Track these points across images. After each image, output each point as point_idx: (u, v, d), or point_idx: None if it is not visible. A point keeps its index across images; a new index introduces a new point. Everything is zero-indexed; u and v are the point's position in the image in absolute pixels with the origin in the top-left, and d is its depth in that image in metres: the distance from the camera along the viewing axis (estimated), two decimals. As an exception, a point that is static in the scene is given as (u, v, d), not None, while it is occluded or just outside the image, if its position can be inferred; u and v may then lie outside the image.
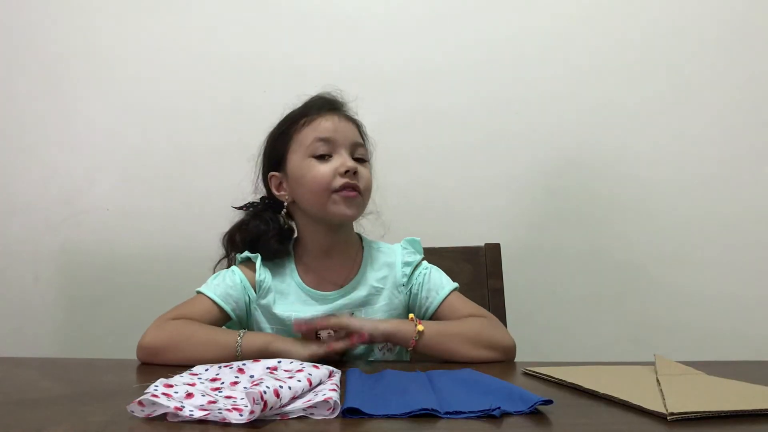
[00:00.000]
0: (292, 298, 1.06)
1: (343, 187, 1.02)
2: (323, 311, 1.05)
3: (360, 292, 1.07)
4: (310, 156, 1.04)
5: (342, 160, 1.03)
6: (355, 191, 1.03)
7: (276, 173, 1.10)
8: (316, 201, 1.04)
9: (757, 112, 1.60)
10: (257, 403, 0.63)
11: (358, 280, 1.08)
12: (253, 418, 0.63)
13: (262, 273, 1.07)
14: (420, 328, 0.95)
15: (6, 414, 0.69)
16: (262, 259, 1.08)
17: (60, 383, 0.83)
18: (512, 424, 0.65)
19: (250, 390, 0.64)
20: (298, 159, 1.05)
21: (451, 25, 1.62)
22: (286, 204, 1.10)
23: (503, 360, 1.00)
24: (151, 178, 1.62)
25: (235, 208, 1.14)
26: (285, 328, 1.05)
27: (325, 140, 1.04)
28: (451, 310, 1.07)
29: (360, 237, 1.15)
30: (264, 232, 1.08)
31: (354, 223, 1.12)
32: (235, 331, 0.96)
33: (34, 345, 1.60)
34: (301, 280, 1.08)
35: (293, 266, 1.09)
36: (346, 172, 1.01)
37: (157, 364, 0.93)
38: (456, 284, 1.10)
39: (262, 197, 1.14)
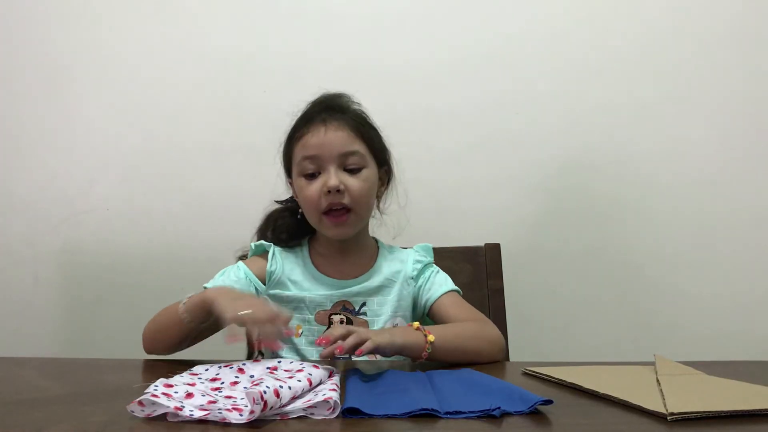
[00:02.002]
0: (305, 283, 1.09)
1: (330, 209, 1.04)
2: (337, 295, 1.07)
3: (373, 282, 1.10)
4: (300, 175, 1.07)
5: (325, 178, 1.03)
6: (345, 211, 1.04)
7: (291, 180, 1.14)
8: (311, 219, 1.08)
9: (758, 113, 1.60)
10: (257, 403, 0.63)
11: (372, 272, 1.11)
12: (253, 418, 0.63)
13: (274, 263, 1.10)
14: (431, 338, 0.92)
15: (6, 414, 0.69)
16: (277, 245, 1.12)
17: (60, 383, 0.83)
18: (512, 424, 0.65)
19: (250, 390, 0.64)
20: (294, 175, 1.09)
21: (451, 25, 1.62)
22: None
23: (497, 357, 1.00)
24: (151, 178, 1.62)
25: (277, 202, 1.18)
26: (295, 312, 1.06)
27: (311, 158, 1.05)
28: (447, 305, 1.09)
29: (376, 241, 1.18)
30: (284, 215, 1.14)
31: (369, 224, 1.15)
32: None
33: (34, 345, 1.60)
34: (314, 268, 1.10)
35: (308, 256, 1.12)
36: (329, 191, 1.02)
37: (157, 355, 0.98)
38: (458, 288, 1.13)
39: None
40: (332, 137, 1.04)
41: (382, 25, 1.62)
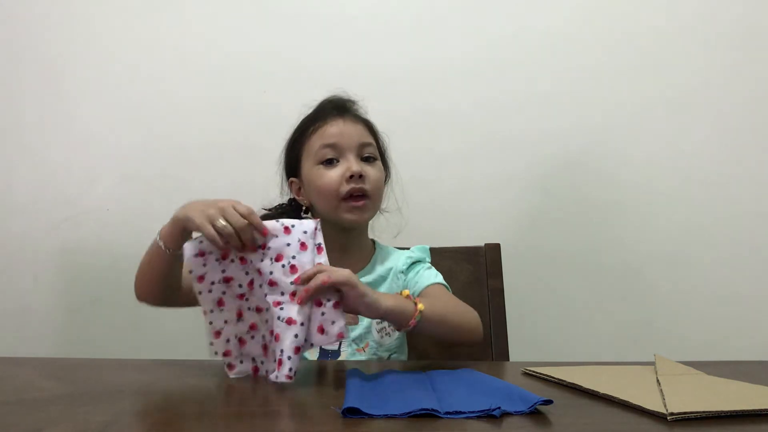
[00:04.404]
0: None
1: (350, 195, 1.05)
2: None
3: (365, 280, 1.10)
4: (318, 163, 1.08)
5: (347, 164, 1.06)
6: (363, 197, 1.06)
7: (294, 179, 1.14)
8: (326, 207, 1.08)
9: (757, 114, 1.60)
10: (291, 376, 0.79)
11: (365, 271, 1.13)
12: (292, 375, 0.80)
13: None
14: (421, 307, 0.91)
15: (5, 414, 0.69)
16: None
17: (60, 383, 0.83)
18: (512, 424, 0.65)
19: (282, 380, 0.79)
20: (308, 166, 1.10)
21: (451, 26, 1.62)
22: (304, 207, 1.15)
23: (476, 338, 1.03)
24: (151, 178, 1.62)
25: (266, 209, 1.18)
26: None
27: (331, 146, 1.07)
28: (432, 293, 1.08)
29: (374, 242, 1.19)
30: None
31: (370, 222, 1.16)
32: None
33: (34, 345, 1.60)
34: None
35: None
36: (351, 177, 1.04)
37: (151, 304, 1.05)
38: (448, 285, 1.13)
39: (290, 199, 1.18)
40: (351, 128, 1.09)
41: (382, 26, 1.62)
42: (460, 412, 0.67)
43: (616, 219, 1.61)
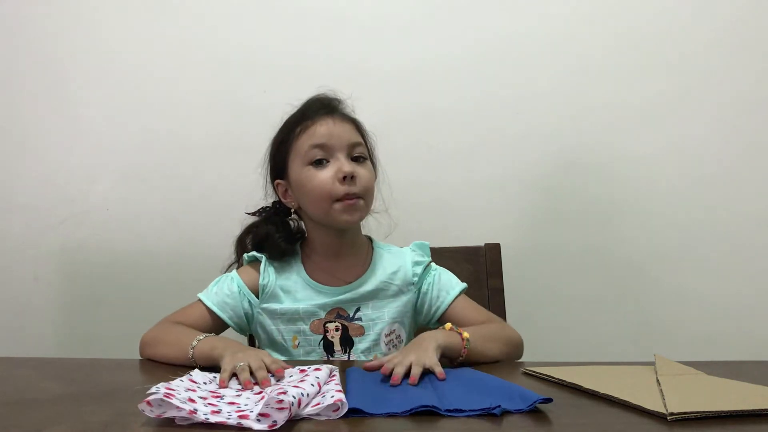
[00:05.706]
0: (298, 292, 1.08)
1: (344, 196, 1.02)
2: (330, 303, 1.06)
3: (367, 287, 1.08)
4: (308, 164, 1.05)
5: (339, 165, 1.03)
6: (356, 197, 1.03)
7: (281, 181, 1.11)
8: (318, 209, 1.05)
9: (758, 113, 1.60)
10: (282, 409, 0.63)
11: (366, 276, 1.09)
12: (276, 427, 0.63)
13: (266, 276, 1.08)
14: (466, 335, 0.92)
15: (5, 414, 0.69)
16: (269, 259, 1.10)
17: (60, 383, 0.83)
18: (512, 423, 0.65)
19: (277, 405, 0.64)
20: (297, 168, 1.07)
21: (451, 25, 1.62)
22: (293, 210, 1.12)
23: (518, 356, 1.02)
24: (151, 178, 1.62)
25: (248, 213, 1.16)
26: (289, 325, 1.07)
27: (321, 146, 1.04)
28: (460, 309, 1.09)
29: (370, 239, 1.17)
30: (272, 233, 1.10)
31: (361, 223, 1.13)
32: (198, 334, 0.94)
33: (34, 345, 1.60)
34: (308, 276, 1.09)
35: (300, 264, 1.11)
36: (344, 178, 1.02)
37: (152, 360, 0.97)
38: (465, 285, 1.12)
39: (274, 202, 1.15)
40: (340, 127, 1.06)
41: (383, 25, 1.62)
42: (461, 410, 0.67)
43: (616, 219, 1.61)
